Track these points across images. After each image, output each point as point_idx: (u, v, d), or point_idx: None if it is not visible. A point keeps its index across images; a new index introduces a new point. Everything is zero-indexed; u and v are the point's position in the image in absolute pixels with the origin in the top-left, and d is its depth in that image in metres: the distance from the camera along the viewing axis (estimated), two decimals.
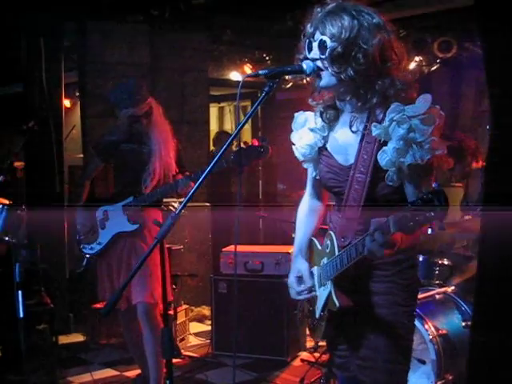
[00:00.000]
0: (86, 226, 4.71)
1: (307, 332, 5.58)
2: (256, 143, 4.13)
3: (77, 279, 6.56)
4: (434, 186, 2.51)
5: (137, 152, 4.61)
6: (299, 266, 2.83)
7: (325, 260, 2.66)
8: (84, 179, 4.91)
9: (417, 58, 7.97)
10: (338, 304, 2.55)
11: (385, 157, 2.45)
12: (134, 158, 4.61)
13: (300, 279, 2.80)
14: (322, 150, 2.73)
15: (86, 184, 4.87)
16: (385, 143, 2.47)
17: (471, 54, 7.84)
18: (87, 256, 4.75)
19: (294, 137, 2.83)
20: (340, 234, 2.61)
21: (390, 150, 2.43)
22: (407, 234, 2.21)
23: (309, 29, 2.54)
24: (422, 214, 2.08)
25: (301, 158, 2.83)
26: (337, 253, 2.56)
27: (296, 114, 2.84)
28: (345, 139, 2.64)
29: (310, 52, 2.54)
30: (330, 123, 2.70)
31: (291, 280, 2.84)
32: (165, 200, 4.84)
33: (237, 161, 4.06)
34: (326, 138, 2.72)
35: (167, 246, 5.21)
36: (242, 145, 4.55)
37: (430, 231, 5.07)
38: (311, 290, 2.74)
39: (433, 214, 2.06)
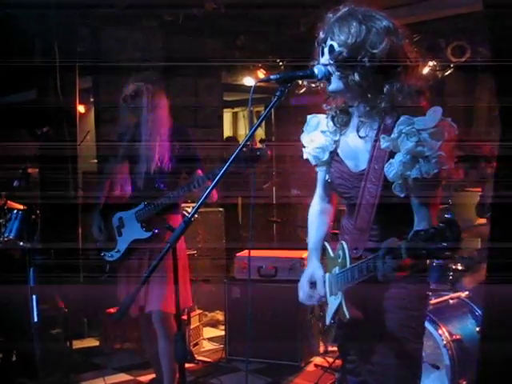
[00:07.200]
0: (103, 232, 4.72)
1: (320, 336, 5.58)
2: (255, 146, 4.13)
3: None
4: (447, 216, 2.48)
5: (137, 149, 4.56)
6: (314, 271, 2.81)
7: (336, 269, 2.66)
8: (101, 181, 4.90)
9: (430, 63, 7.95)
10: (348, 316, 2.57)
11: (392, 169, 2.45)
12: (136, 155, 4.57)
13: (312, 285, 2.79)
14: (334, 154, 2.73)
15: (104, 187, 4.84)
16: (394, 154, 2.46)
17: (485, 59, 7.81)
18: (108, 263, 4.73)
19: (305, 139, 2.82)
20: (352, 245, 2.60)
21: (397, 163, 2.43)
22: (420, 260, 2.20)
23: (321, 35, 2.57)
24: (436, 244, 2.05)
25: (313, 162, 2.83)
26: (348, 265, 2.55)
27: (309, 117, 2.83)
28: (355, 144, 2.63)
29: (322, 57, 2.57)
30: (342, 127, 2.70)
31: (303, 282, 2.85)
32: None
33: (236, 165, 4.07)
34: (337, 143, 2.72)
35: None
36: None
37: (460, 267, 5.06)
38: (321, 298, 2.74)
39: (446, 244, 2.03)
